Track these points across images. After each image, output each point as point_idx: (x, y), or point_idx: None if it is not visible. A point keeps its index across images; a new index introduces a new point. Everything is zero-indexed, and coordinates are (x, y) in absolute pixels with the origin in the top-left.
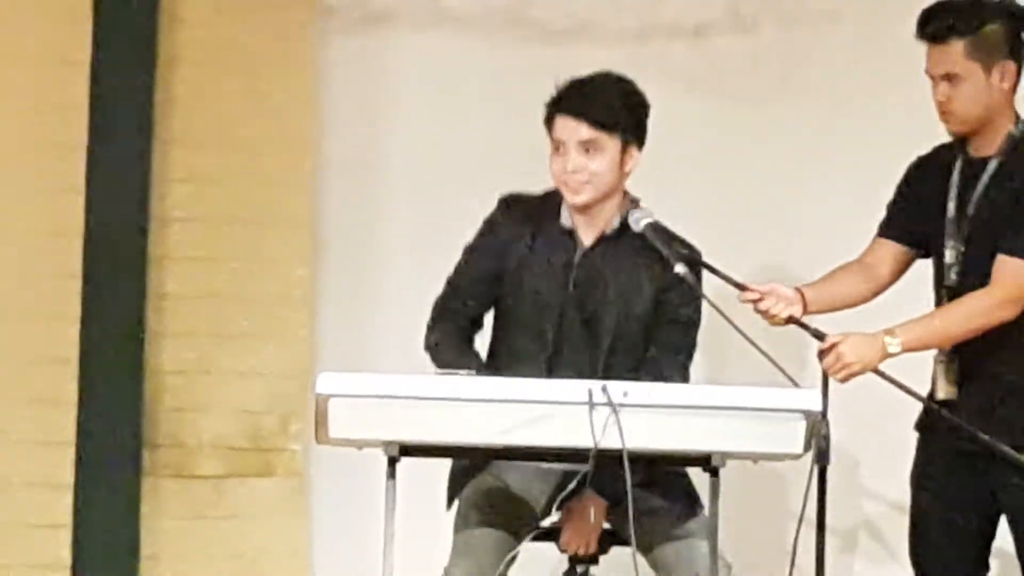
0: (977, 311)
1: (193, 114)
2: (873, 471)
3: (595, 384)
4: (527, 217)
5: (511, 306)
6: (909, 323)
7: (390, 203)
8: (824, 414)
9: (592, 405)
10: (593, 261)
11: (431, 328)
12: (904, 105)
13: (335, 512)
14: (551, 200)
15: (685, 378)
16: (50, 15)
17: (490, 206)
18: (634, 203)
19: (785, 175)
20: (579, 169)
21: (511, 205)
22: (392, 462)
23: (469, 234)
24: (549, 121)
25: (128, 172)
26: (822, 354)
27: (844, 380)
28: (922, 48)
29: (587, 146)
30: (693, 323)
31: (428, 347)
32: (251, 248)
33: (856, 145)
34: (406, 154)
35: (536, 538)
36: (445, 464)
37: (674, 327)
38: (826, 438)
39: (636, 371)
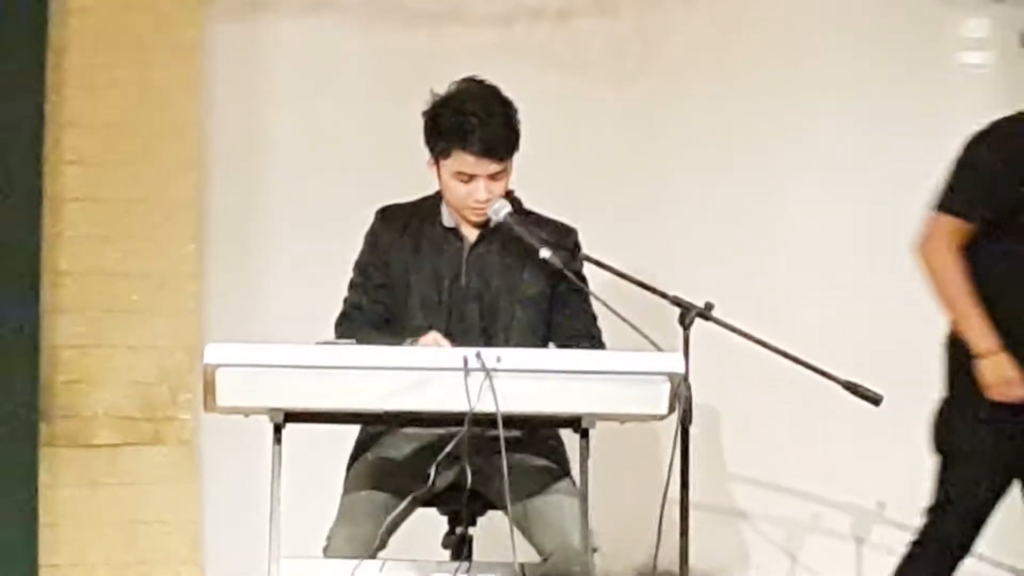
0: None
1: (83, 99)
2: (734, 431)
3: (469, 351)
4: (406, 225)
5: (403, 307)
6: None
7: (273, 182)
8: (686, 377)
9: (467, 371)
10: (480, 255)
11: (343, 334)
12: (754, 84)
13: (225, 478)
14: (427, 204)
15: (602, 344)
16: None
17: (372, 187)
18: (509, 196)
19: (645, 153)
20: (490, 197)
21: (387, 215)
22: (277, 429)
23: (350, 212)
24: (440, 144)
25: (21, 155)
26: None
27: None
28: (771, 28)
29: (494, 177)
30: (585, 295)
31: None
32: (141, 226)
33: (709, 123)
34: (287, 135)
35: (423, 504)
36: (331, 430)
37: (572, 307)
38: (688, 399)
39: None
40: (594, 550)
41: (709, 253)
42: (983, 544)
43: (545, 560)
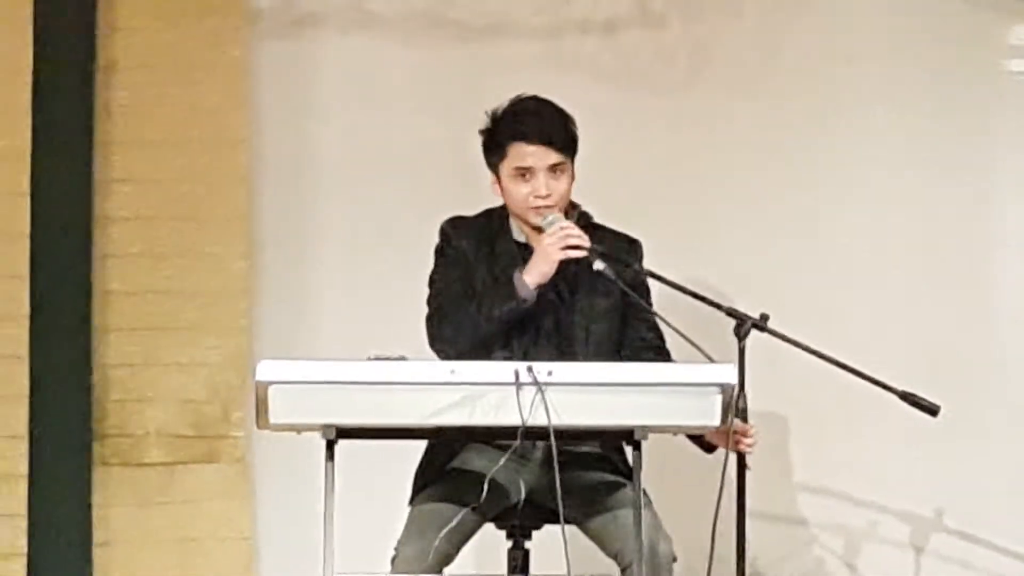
0: None
1: (132, 117)
2: (791, 439)
3: (521, 364)
4: (479, 235)
5: None
6: None
7: (322, 197)
8: (742, 387)
9: (519, 385)
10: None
11: (440, 317)
12: (800, 94)
13: (278, 495)
14: (495, 217)
15: (667, 353)
16: None
17: (422, 202)
18: (574, 208)
19: (695, 163)
20: (551, 192)
21: (458, 226)
22: (330, 445)
23: (400, 227)
24: (497, 148)
25: (71, 175)
26: None
27: None
28: (814, 39)
29: (554, 169)
30: (650, 309)
31: (448, 335)
32: (191, 244)
33: (759, 131)
34: (335, 150)
35: (492, 519)
36: (384, 446)
37: (641, 320)
38: (744, 409)
39: None
40: (674, 559)
41: (762, 261)
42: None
43: (625, 570)
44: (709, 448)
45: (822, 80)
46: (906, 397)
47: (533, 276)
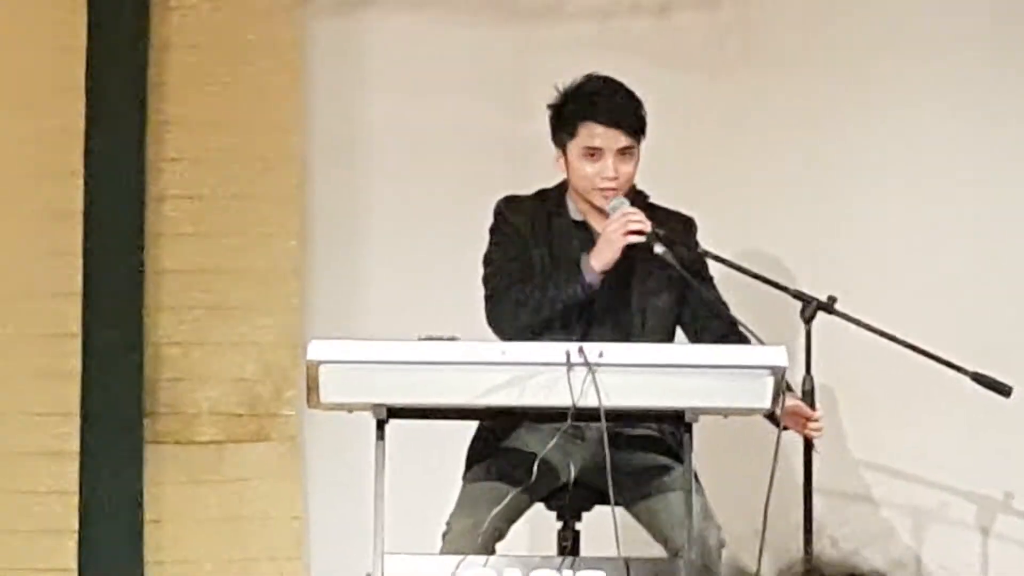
0: None
1: (185, 97)
2: (851, 417)
3: (572, 345)
4: (535, 215)
5: None
6: None
7: (374, 177)
8: (808, 369)
9: (570, 365)
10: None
11: (498, 296)
12: (857, 74)
13: (328, 474)
14: (551, 196)
15: (737, 332)
16: (46, 3)
17: (472, 183)
18: (632, 189)
19: (744, 143)
20: (619, 175)
21: (512, 205)
22: (380, 424)
23: (449, 208)
24: (567, 126)
25: (124, 154)
26: None
27: None
28: (873, 17)
29: (623, 152)
30: (711, 281)
31: (505, 318)
32: (243, 223)
33: (813, 113)
34: (388, 131)
35: (543, 499)
36: (435, 425)
37: (702, 295)
38: (810, 393)
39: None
40: (722, 545)
41: (819, 243)
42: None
43: (676, 555)
44: (779, 423)
45: (877, 62)
46: (978, 378)
47: (598, 261)
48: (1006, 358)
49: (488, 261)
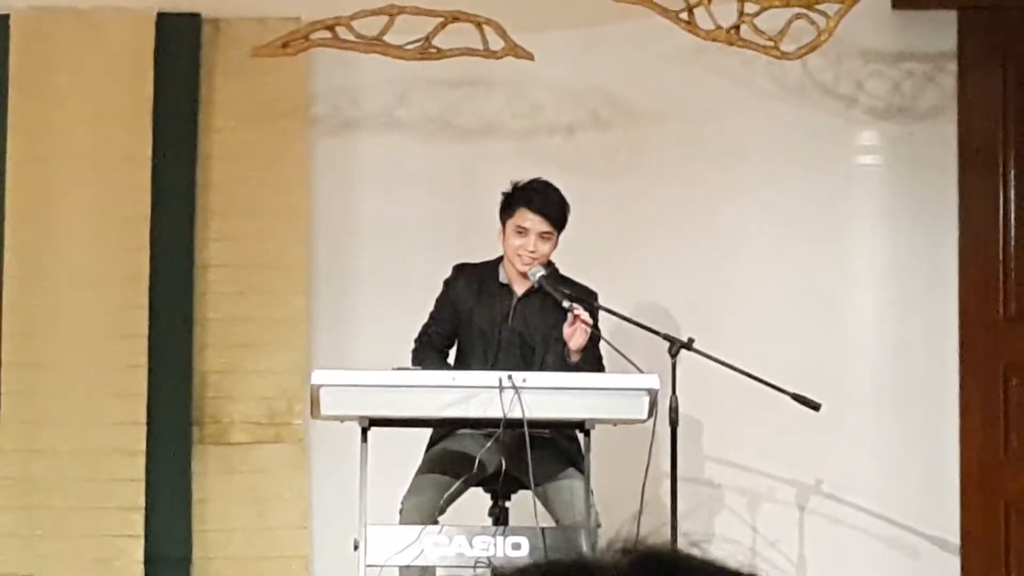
0: None
1: (223, 193)
2: (706, 423)
3: (503, 374)
4: (474, 278)
5: (466, 338)
6: None
7: (361, 251)
8: (674, 390)
9: (501, 388)
10: (524, 305)
11: (417, 348)
12: (710, 180)
13: (327, 467)
14: (490, 265)
15: (603, 367)
16: (118, 125)
17: (433, 256)
18: (549, 266)
19: (634, 232)
20: (536, 250)
21: (462, 269)
22: (364, 431)
23: (418, 273)
24: (509, 209)
25: (179, 234)
26: None
27: None
28: (718, 140)
29: (543, 235)
30: (595, 339)
31: (416, 363)
32: (264, 284)
33: (681, 208)
34: (372, 218)
35: (475, 484)
36: (403, 432)
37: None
38: (675, 408)
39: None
40: (597, 525)
41: (686, 301)
42: (862, 497)
43: (562, 527)
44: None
45: (725, 171)
46: (796, 397)
47: (574, 344)
48: (816, 381)
49: (434, 304)
